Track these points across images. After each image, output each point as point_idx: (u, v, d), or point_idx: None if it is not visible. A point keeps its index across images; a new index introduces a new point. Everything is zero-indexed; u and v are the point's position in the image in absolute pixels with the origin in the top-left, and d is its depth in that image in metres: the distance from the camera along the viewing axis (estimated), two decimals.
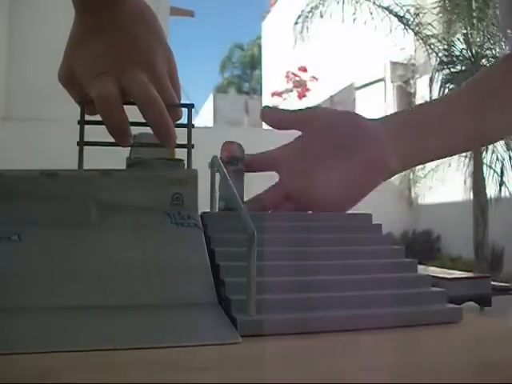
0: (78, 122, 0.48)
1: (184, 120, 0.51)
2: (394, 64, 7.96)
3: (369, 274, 0.42)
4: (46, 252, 0.40)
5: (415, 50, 5.70)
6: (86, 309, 0.37)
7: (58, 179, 0.43)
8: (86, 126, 0.48)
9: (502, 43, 4.38)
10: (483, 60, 4.53)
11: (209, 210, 0.51)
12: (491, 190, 4.69)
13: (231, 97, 17.08)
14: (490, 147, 4.58)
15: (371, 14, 4.76)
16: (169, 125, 0.46)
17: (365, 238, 0.47)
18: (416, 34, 4.77)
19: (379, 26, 4.73)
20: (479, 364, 0.31)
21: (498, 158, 4.68)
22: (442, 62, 4.68)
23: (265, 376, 0.28)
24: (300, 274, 0.40)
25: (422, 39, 4.72)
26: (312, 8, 5.04)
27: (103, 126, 0.45)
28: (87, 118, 0.48)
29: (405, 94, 7.99)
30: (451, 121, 0.47)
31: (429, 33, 4.71)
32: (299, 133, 0.50)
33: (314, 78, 10.07)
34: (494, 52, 4.52)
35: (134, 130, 0.48)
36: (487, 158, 4.69)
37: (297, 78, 10.24)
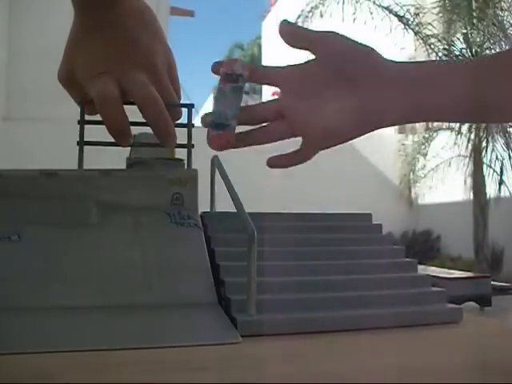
0: (78, 122, 0.48)
1: (184, 120, 0.50)
2: None
3: (369, 274, 0.42)
4: (46, 252, 0.40)
5: (415, 50, 5.70)
6: (85, 309, 0.37)
7: (58, 179, 0.43)
8: (86, 126, 0.48)
9: (502, 43, 4.39)
10: None
11: (209, 210, 0.51)
12: (491, 190, 4.70)
13: None
14: (490, 147, 4.59)
15: (371, 13, 4.76)
16: (169, 125, 0.46)
17: (365, 238, 0.47)
18: (416, 33, 4.76)
19: (379, 26, 4.73)
20: (479, 364, 0.31)
21: (497, 157, 4.68)
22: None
23: (265, 376, 0.28)
24: (300, 274, 0.40)
25: (422, 39, 4.72)
26: (312, 8, 5.04)
27: (103, 126, 0.45)
28: (87, 117, 0.48)
29: None
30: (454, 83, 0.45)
31: (429, 32, 4.71)
32: None
33: None
34: (493, 51, 4.52)
35: (134, 130, 0.48)
36: (487, 157, 4.69)
37: None
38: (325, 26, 5.29)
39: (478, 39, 4.51)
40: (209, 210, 0.50)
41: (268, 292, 0.37)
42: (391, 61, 0.47)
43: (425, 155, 5.33)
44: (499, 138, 4.61)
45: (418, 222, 6.48)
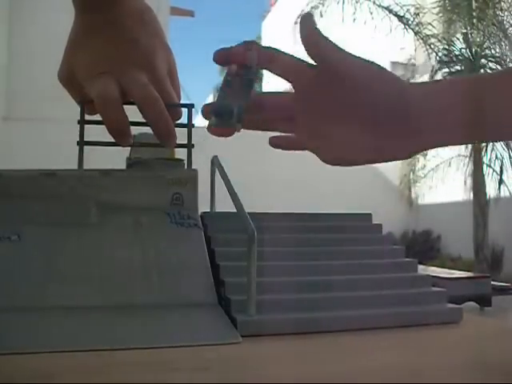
0: (78, 122, 0.48)
1: (184, 120, 0.50)
2: (393, 64, 7.95)
3: (369, 274, 0.42)
4: (46, 252, 0.40)
5: (415, 50, 5.69)
6: (85, 309, 0.37)
7: (58, 179, 0.43)
8: (86, 126, 0.48)
9: (502, 43, 4.39)
10: (482, 59, 4.53)
11: (209, 210, 0.51)
12: (491, 190, 4.70)
13: None
14: (490, 146, 4.58)
15: (371, 13, 4.76)
16: (169, 125, 0.46)
17: (365, 238, 0.47)
18: (416, 33, 4.76)
19: (379, 26, 4.73)
20: (479, 364, 0.31)
21: (497, 157, 4.68)
22: (441, 61, 4.68)
23: (265, 376, 0.28)
24: (300, 274, 0.40)
25: (422, 39, 4.72)
26: (312, 8, 5.04)
27: (103, 126, 0.45)
28: (87, 117, 0.48)
29: None
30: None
31: (429, 32, 4.71)
32: None
33: None
34: (493, 51, 4.52)
35: (134, 130, 0.48)
36: (487, 156, 4.69)
37: None
38: (325, 25, 5.29)
39: (478, 39, 4.51)
40: (209, 210, 0.50)
41: (268, 292, 0.37)
42: (414, 84, 0.44)
43: (425, 155, 5.33)
44: None
45: (418, 222, 6.48)
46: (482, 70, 4.48)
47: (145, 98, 0.45)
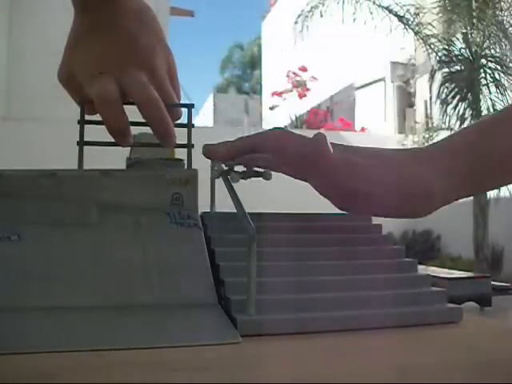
0: (78, 122, 0.48)
1: (184, 120, 0.51)
2: (394, 64, 7.96)
3: (369, 274, 0.42)
4: (46, 252, 0.40)
5: (415, 50, 5.69)
6: (86, 309, 0.37)
7: (58, 179, 0.43)
8: (86, 126, 0.48)
9: (502, 43, 4.38)
10: (482, 59, 4.53)
11: (209, 210, 0.51)
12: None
13: (231, 97, 17.08)
14: None
15: (371, 13, 4.76)
16: (169, 125, 0.46)
17: (365, 238, 0.47)
18: (416, 33, 4.76)
19: (379, 26, 4.73)
20: (479, 364, 0.31)
21: None
22: (441, 61, 4.68)
23: (265, 376, 0.28)
24: (300, 274, 0.40)
25: (422, 39, 4.72)
26: (312, 7, 5.04)
27: (103, 126, 0.45)
28: (87, 117, 0.48)
29: (405, 93, 7.99)
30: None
31: (429, 32, 4.71)
32: None
33: (314, 78, 10.07)
34: (493, 51, 4.52)
35: (134, 130, 0.48)
36: None
37: (297, 78, 10.24)
38: (325, 25, 5.29)
39: (478, 39, 4.51)
40: (209, 210, 0.50)
41: (268, 292, 0.37)
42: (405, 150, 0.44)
43: None
44: None
45: (418, 221, 6.47)
46: (481, 70, 4.48)
47: (145, 98, 0.45)
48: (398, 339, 0.35)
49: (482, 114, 4.40)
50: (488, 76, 4.47)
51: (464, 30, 4.62)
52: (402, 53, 6.83)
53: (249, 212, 0.38)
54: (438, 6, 4.72)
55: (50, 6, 5.54)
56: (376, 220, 0.50)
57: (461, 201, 0.48)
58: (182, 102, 0.52)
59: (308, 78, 10.24)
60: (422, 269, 0.67)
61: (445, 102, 4.59)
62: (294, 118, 9.17)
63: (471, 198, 4.71)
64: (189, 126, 0.50)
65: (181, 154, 0.51)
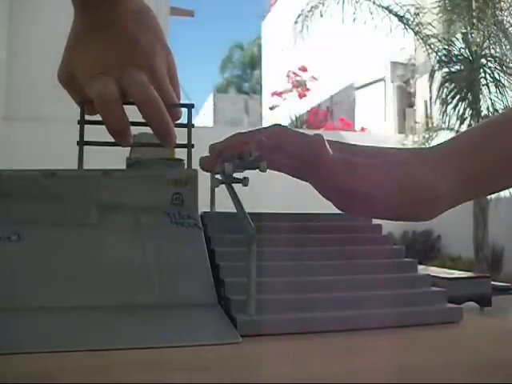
0: (78, 122, 0.48)
1: (184, 120, 0.51)
2: (394, 64, 7.96)
3: (369, 274, 0.42)
4: (46, 252, 0.40)
5: (415, 50, 5.69)
6: (86, 309, 0.37)
7: (58, 179, 0.43)
8: (86, 126, 0.48)
9: (502, 43, 4.38)
10: (482, 59, 4.53)
11: (209, 210, 0.51)
12: None
13: (231, 97, 17.08)
14: None
15: (371, 13, 4.76)
16: (169, 125, 0.46)
17: (365, 238, 0.47)
18: (416, 33, 4.76)
19: (379, 26, 4.72)
20: (479, 364, 0.31)
21: None
22: (440, 61, 4.68)
23: (265, 376, 0.28)
24: (300, 274, 0.40)
25: (422, 39, 4.72)
26: (312, 7, 5.04)
27: (103, 126, 0.45)
28: (87, 117, 0.48)
29: (405, 93, 7.99)
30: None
31: (429, 32, 4.71)
32: None
33: (314, 78, 10.08)
34: (493, 51, 4.52)
35: (134, 130, 0.48)
36: None
37: (297, 78, 10.24)
38: (325, 25, 5.30)
39: (478, 39, 4.51)
40: (209, 210, 0.50)
41: (268, 292, 0.37)
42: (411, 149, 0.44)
43: None
44: None
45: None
46: (481, 70, 4.48)
47: (145, 98, 0.45)
48: (398, 339, 0.35)
49: (482, 113, 4.40)
50: (488, 76, 4.47)
51: (464, 30, 4.62)
52: (401, 53, 6.83)
53: (249, 212, 0.38)
54: (437, 6, 4.72)
55: (50, 6, 5.54)
56: (376, 220, 0.50)
57: None
58: (181, 102, 0.52)
59: (308, 78, 10.24)
60: (422, 269, 0.67)
61: (445, 102, 4.59)
62: (293, 118, 9.18)
63: None
64: (189, 125, 0.50)
65: (181, 154, 0.51)
